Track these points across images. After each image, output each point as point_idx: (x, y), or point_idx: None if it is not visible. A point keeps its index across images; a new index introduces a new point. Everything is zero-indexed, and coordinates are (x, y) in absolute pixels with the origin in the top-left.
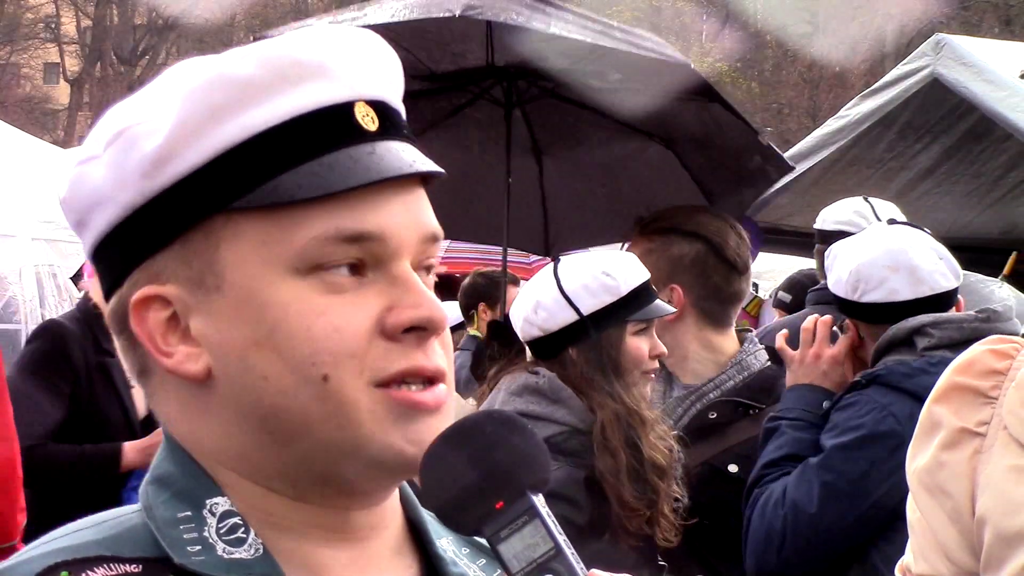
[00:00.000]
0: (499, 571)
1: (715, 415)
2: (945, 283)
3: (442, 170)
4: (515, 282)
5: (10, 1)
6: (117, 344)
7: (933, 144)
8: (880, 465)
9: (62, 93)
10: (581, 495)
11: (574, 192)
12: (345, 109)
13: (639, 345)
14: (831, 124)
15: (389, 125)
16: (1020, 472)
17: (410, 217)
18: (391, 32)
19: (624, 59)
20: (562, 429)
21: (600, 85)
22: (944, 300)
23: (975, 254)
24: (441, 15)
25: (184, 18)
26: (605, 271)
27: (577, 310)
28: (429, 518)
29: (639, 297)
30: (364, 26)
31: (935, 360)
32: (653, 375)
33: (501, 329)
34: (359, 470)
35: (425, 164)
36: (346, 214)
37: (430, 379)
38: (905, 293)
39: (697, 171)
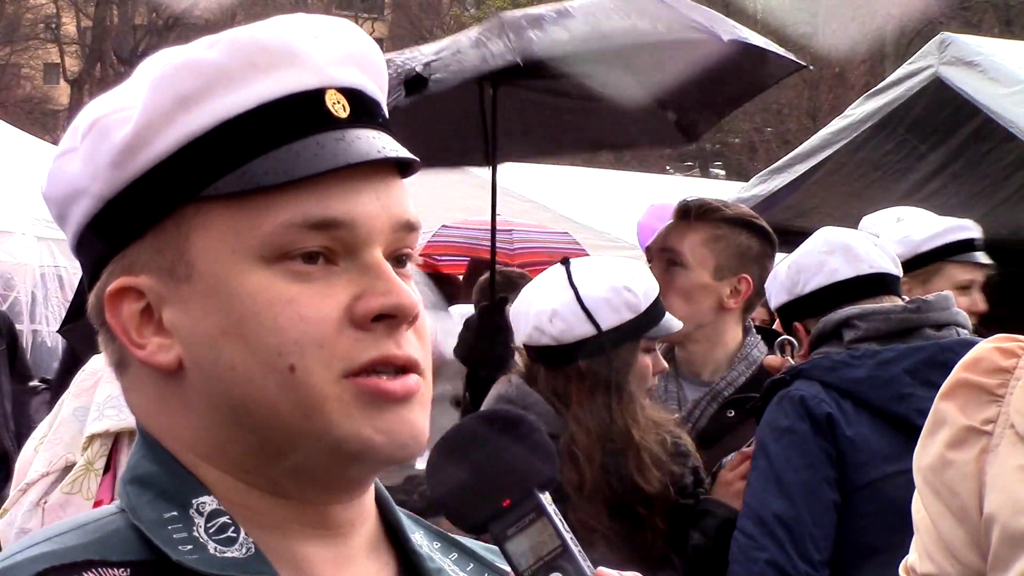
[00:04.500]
0: (471, 564)
1: (732, 413)
2: (884, 264)
3: (415, 157)
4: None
5: (10, 1)
6: (100, 337)
7: (939, 145)
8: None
9: (62, 93)
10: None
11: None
12: (315, 96)
13: (647, 363)
14: (835, 123)
15: (362, 112)
16: None
17: (381, 205)
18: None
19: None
20: None
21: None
22: (887, 283)
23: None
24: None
25: (184, 18)
26: (627, 286)
27: (597, 325)
28: (403, 514)
29: (654, 312)
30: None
31: (858, 353)
32: (651, 391)
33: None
34: (329, 460)
35: (396, 151)
36: (313, 201)
37: (401, 368)
38: (845, 271)
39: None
